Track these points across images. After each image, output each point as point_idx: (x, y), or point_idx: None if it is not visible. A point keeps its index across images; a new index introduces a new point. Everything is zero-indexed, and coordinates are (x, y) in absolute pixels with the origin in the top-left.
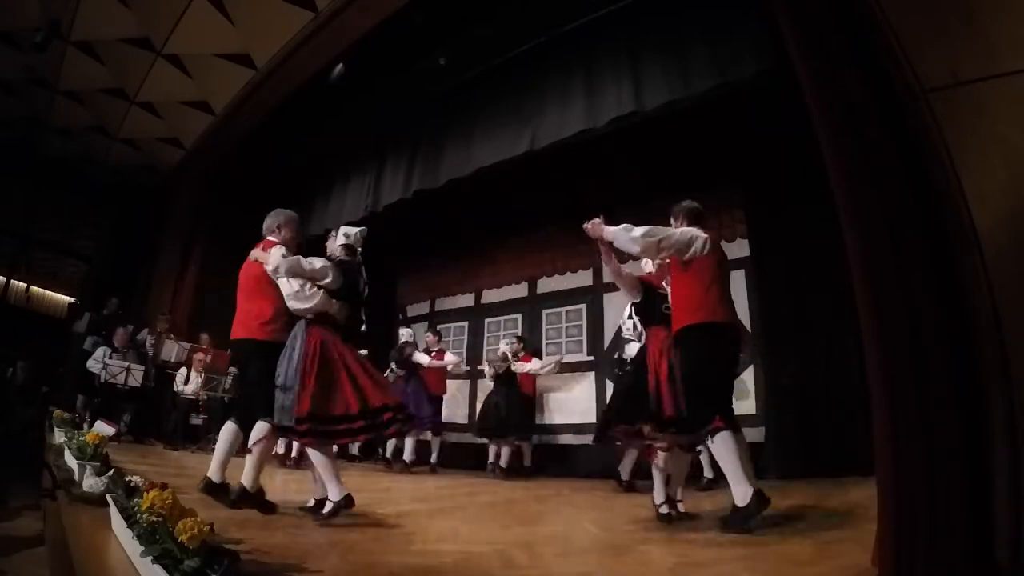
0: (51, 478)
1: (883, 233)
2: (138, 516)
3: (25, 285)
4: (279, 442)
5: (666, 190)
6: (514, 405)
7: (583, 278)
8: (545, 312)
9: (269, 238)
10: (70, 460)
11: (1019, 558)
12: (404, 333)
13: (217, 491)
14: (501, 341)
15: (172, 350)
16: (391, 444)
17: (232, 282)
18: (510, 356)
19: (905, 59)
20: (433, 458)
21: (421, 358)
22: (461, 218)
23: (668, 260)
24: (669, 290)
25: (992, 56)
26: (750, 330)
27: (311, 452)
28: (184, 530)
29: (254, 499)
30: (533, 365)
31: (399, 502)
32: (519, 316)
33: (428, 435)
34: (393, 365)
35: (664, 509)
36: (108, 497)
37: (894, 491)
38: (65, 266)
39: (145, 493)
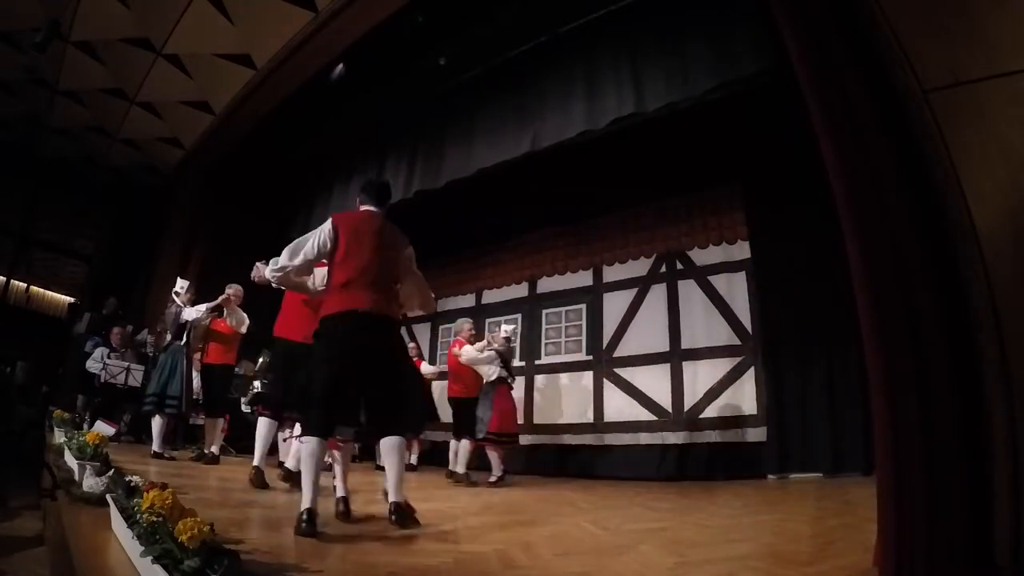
0: (51, 478)
1: (883, 233)
2: (138, 516)
3: (25, 285)
4: None
5: (667, 190)
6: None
7: (583, 278)
8: (545, 312)
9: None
10: (70, 460)
11: (1019, 558)
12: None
13: None
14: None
15: None
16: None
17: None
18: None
19: (905, 59)
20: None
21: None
22: (462, 219)
23: None
24: None
25: (992, 56)
26: (750, 331)
27: None
28: (184, 530)
29: None
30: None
31: None
32: (519, 316)
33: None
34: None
35: None
36: (108, 497)
37: (894, 491)
38: (65, 266)
39: (145, 493)
